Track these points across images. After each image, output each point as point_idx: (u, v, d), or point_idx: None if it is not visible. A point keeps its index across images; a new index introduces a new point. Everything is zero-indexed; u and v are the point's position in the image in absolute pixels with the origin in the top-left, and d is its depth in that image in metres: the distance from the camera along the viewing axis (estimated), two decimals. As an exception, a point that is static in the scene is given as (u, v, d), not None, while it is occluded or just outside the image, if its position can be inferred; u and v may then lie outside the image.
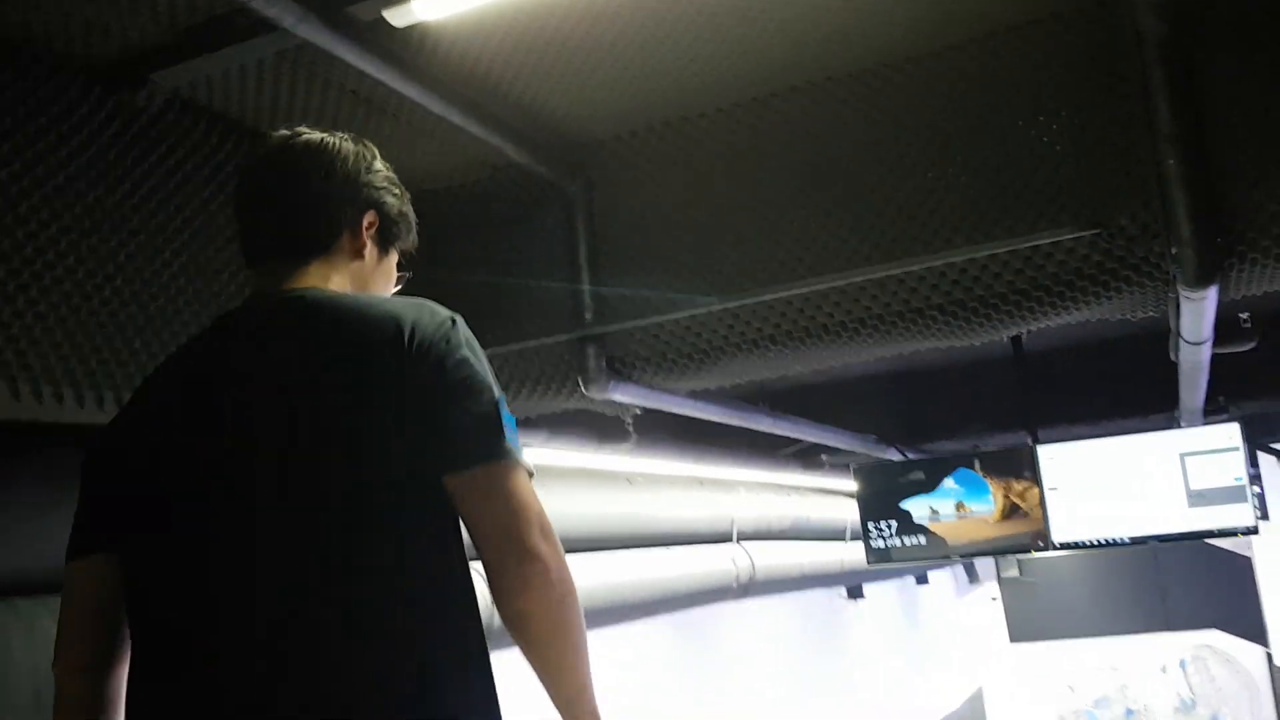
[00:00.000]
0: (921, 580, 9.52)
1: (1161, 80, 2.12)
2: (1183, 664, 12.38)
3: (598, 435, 3.29)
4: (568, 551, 1.12)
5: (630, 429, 3.31)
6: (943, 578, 10.79)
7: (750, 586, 5.04)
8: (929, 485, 5.06)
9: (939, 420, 5.61)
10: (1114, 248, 2.25)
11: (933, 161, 2.38)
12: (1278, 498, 6.25)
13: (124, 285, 1.89)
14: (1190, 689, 12.23)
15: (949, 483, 5.03)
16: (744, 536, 5.08)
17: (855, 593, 7.56)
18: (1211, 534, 4.59)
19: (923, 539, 5.06)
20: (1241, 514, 4.50)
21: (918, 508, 5.05)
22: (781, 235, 2.49)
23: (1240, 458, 4.50)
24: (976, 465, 5.01)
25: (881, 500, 5.12)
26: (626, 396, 2.65)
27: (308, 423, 1.08)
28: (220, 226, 2.11)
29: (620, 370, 2.62)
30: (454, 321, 1.18)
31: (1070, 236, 2.25)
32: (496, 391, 1.15)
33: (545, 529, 1.08)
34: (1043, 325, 2.41)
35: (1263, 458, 6.06)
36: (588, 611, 1.14)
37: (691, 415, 3.14)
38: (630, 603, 3.70)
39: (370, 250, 1.34)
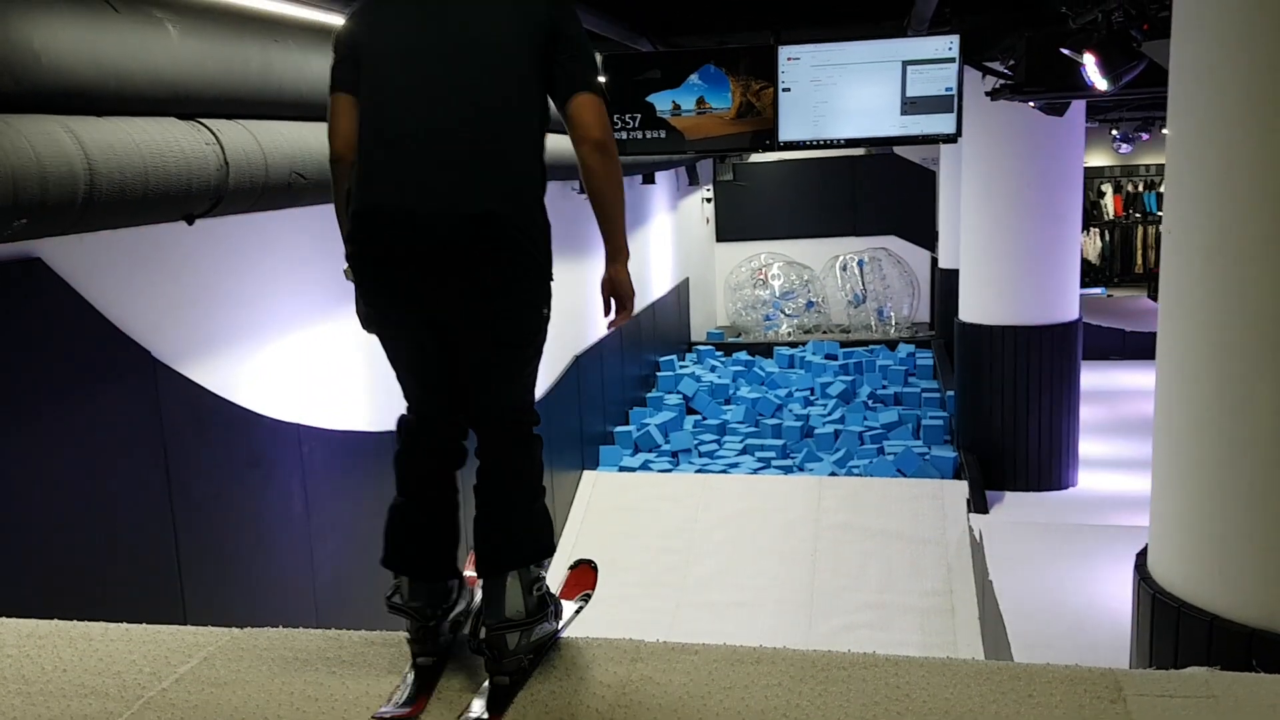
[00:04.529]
0: (648, 180, 9.94)
1: None
2: (860, 263, 13.95)
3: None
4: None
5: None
6: (666, 179, 11.31)
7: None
8: (674, 80, 5.16)
9: (690, 12, 5.61)
10: None
11: None
12: (971, 112, 6.86)
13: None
14: (863, 285, 13.92)
15: (694, 79, 5.15)
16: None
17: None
18: (918, 139, 5.04)
19: (663, 133, 5.24)
20: (946, 123, 4.96)
21: (662, 102, 5.18)
22: None
23: (954, 70, 4.88)
24: (720, 62, 5.13)
25: (627, 93, 5.19)
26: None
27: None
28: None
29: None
30: None
31: None
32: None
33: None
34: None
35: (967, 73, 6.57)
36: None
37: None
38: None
39: None
